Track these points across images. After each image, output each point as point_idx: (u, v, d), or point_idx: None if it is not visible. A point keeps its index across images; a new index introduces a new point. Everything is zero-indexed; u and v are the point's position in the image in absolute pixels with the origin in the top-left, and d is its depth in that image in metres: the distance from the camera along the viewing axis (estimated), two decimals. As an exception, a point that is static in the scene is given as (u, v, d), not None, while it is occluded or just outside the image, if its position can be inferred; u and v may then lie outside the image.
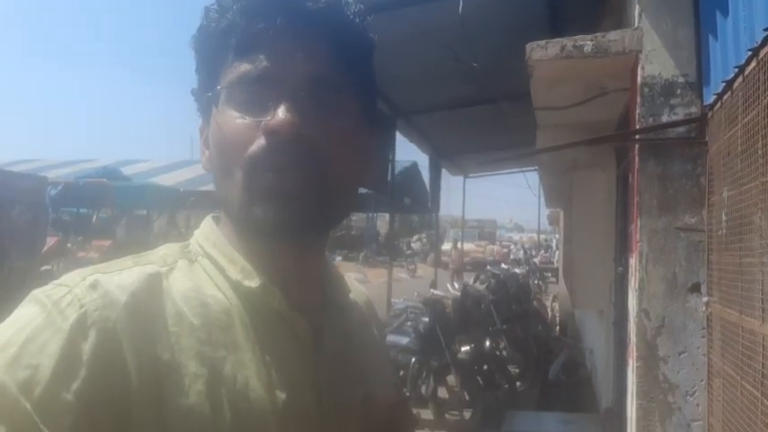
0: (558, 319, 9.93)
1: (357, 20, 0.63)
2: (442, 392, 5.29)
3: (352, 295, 0.74)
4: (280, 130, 0.56)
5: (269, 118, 0.57)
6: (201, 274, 0.62)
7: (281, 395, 0.57)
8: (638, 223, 2.82)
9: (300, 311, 0.62)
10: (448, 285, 7.49)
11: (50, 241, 7.92)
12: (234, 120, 0.59)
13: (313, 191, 0.58)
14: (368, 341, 0.74)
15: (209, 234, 0.65)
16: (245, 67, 0.59)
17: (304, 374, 0.61)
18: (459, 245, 16.53)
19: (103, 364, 0.51)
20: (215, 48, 0.61)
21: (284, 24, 0.58)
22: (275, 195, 0.57)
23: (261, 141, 0.57)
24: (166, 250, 0.64)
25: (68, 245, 7.81)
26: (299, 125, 0.57)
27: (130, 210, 9.62)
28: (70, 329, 0.51)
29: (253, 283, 0.60)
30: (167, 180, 11.65)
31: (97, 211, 8.17)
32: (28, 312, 0.53)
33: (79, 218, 8.19)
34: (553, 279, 14.79)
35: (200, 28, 0.62)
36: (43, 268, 7.70)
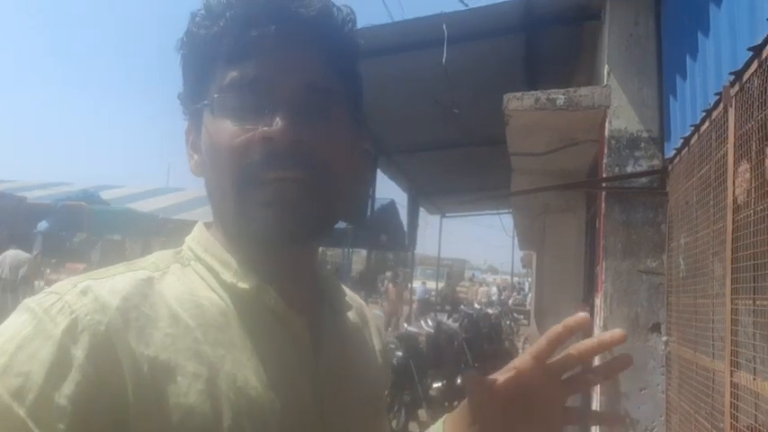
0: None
1: (346, 26, 0.63)
2: (413, 427, 5.33)
3: (347, 299, 0.73)
4: (278, 139, 0.56)
5: (266, 126, 0.57)
6: (195, 277, 0.61)
7: (281, 393, 0.57)
8: (604, 265, 3.01)
9: (296, 311, 0.62)
10: (422, 322, 7.57)
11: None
12: (230, 128, 0.58)
13: (312, 198, 0.58)
14: (363, 343, 0.74)
15: (200, 239, 0.65)
16: (240, 74, 0.58)
17: (302, 373, 0.61)
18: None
19: (97, 367, 0.50)
20: (205, 54, 0.61)
21: (278, 32, 0.58)
22: (275, 205, 0.57)
23: (259, 150, 0.57)
24: (158, 256, 0.63)
25: (41, 267, 7.72)
26: (296, 133, 0.57)
27: (106, 234, 9.57)
28: (61, 335, 0.51)
29: (247, 284, 0.59)
30: (144, 206, 11.55)
31: (73, 233, 8.12)
32: (18, 321, 0.52)
33: (55, 240, 8.13)
34: (525, 321, 14.94)
35: (189, 33, 0.62)
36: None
